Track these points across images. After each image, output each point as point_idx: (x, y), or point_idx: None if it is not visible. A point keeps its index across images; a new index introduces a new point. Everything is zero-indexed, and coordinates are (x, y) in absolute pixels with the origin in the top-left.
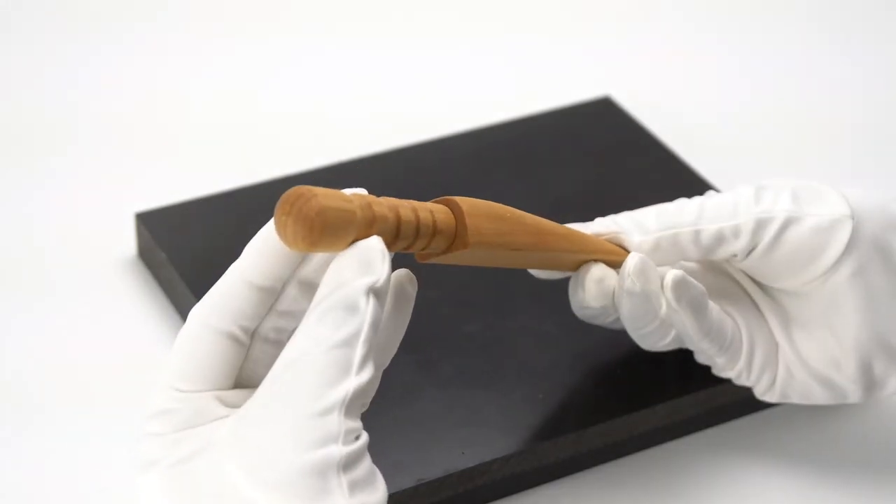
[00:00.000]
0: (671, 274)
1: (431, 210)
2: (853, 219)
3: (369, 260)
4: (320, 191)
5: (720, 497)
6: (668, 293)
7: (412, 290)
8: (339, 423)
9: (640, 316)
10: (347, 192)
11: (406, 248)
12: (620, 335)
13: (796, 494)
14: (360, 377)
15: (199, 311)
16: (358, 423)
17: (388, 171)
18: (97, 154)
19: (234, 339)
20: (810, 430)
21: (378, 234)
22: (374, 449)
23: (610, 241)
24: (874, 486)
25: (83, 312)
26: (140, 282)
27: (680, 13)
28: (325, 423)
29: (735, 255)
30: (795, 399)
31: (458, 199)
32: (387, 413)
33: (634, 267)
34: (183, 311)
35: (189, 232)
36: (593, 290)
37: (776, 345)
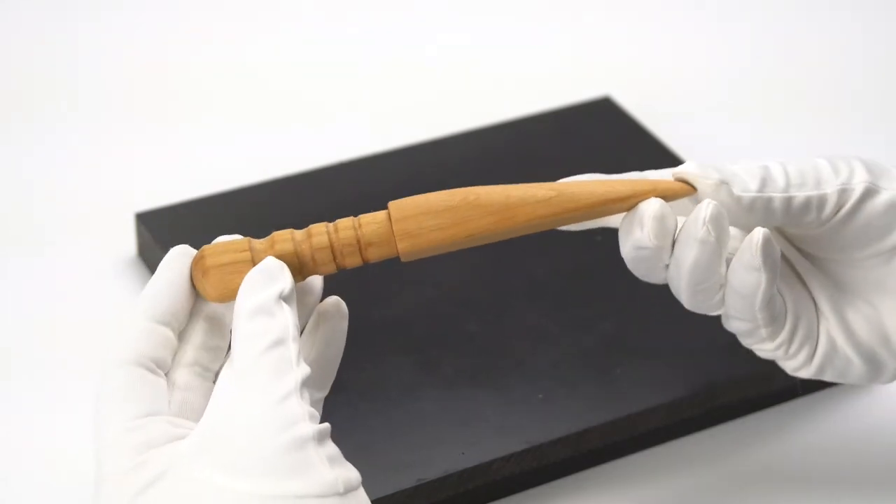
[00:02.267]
0: (760, 231)
1: (360, 225)
2: None
3: (270, 274)
4: (210, 251)
5: (720, 497)
6: (757, 251)
7: (343, 312)
8: (300, 405)
9: (705, 267)
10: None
11: (339, 268)
12: (620, 335)
13: (796, 494)
14: (301, 369)
15: (112, 352)
16: (315, 411)
17: (388, 171)
18: (98, 154)
19: (150, 371)
20: (810, 430)
21: (287, 267)
22: (374, 449)
23: (693, 183)
24: (874, 486)
25: (83, 312)
26: (140, 282)
27: (680, 13)
28: (287, 407)
29: (811, 224)
30: (829, 376)
31: (392, 203)
32: (387, 413)
33: (711, 214)
34: None
35: (189, 232)
36: (655, 228)
37: (817, 318)
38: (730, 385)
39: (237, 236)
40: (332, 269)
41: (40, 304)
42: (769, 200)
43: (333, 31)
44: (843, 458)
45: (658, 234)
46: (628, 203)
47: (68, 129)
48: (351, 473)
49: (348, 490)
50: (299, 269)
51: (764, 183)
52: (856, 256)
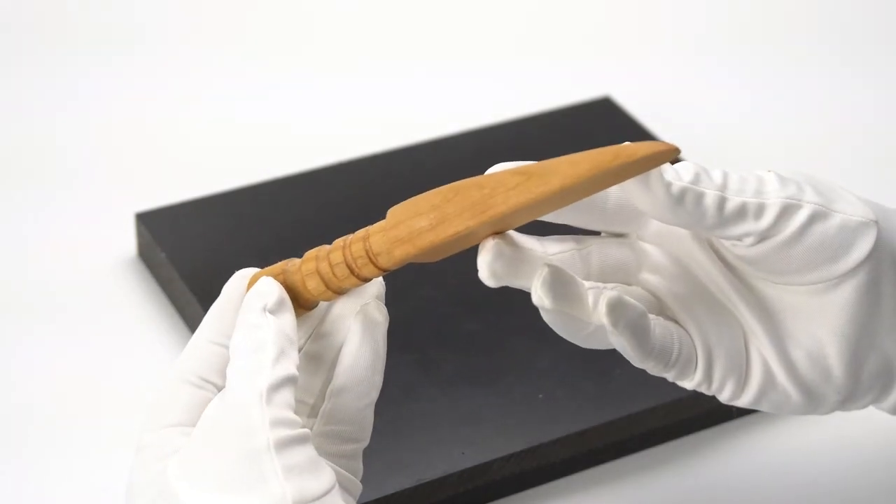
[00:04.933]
0: (606, 296)
1: (368, 235)
2: (877, 224)
3: (260, 291)
4: (254, 276)
5: (720, 497)
6: (605, 318)
7: (379, 316)
8: (262, 412)
9: (560, 326)
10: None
11: (363, 280)
12: None
13: (795, 494)
14: (274, 371)
15: (174, 365)
16: (290, 416)
17: (388, 171)
18: (97, 154)
19: (194, 385)
20: (810, 430)
21: (315, 287)
22: (374, 449)
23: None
24: (873, 486)
25: (83, 312)
26: (140, 282)
27: (680, 13)
28: (247, 416)
29: (748, 237)
30: (765, 408)
31: (390, 209)
32: (387, 413)
33: (543, 281)
34: (183, 311)
35: (189, 232)
36: (496, 268)
37: (746, 349)
38: None
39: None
40: (355, 282)
41: (40, 304)
42: (701, 195)
43: (334, 31)
44: (843, 457)
45: (493, 277)
46: (599, 182)
47: (69, 129)
48: (311, 483)
49: (299, 503)
50: (326, 287)
51: (698, 178)
52: (801, 280)
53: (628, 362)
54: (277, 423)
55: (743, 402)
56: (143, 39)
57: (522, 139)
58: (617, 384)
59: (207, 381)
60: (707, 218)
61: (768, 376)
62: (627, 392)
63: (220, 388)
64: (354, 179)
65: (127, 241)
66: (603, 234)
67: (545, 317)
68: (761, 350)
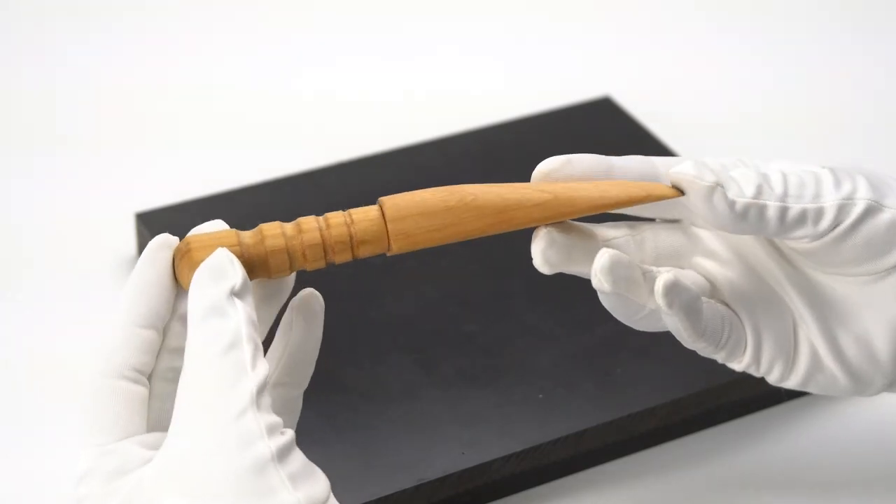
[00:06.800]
0: (662, 278)
1: (352, 221)
2: None
3: (220, 269)
4: (196, 244)
5: (720, 497)
6: (660, 299)
7: (318, 306)
8: (256, 420)
9: (618, 309)
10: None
11: (328, 263)
12: (620, 335)
13: (798, 494)
14: (256, 373)
15: (92, 364)
16: (277, 418)
17: (388, 171)
18: (97, 154)
19: (131, 381)
20: (810, 430)
21: (279, 265)
22: (374, 449)
23: (687, 185)
24: (873, 486)
25: (83, 312)
26: None
27: (680, 13)
28: (243, 425)
29: (805, 238)
30: (813, 390)
31: (386, 200)
32: (387, 413)
33: (601, 265)
34: None
35: (189, 232)
36: (549, 255)
37: (794, 331)
38: (730, 385)
39: (219, 222)
40: (321, 264)
41: (40, 304)
42: (763, 208)
43: (334, 30)
44: (846, 457)
45: (547, 264)
46: (624, 207)
47: (69, 129)
48: (315, 488)
49: None
50: (289, 265)
51: (760, 190)
52: (851, 272)
53: (628, 362)
54: (272, 429)
55: (791, 383)
56: (142, 40)
57: (522, 139)
58: (617, 384)
59: (142, 373)
60: (769, 228)
61: (815, 360)
62: (627, 392)
63: (145, 375)
64: (354, 179)
65: (127, 241)
66: (657, 220)
67: (603, 300)
68: (809, 335)
